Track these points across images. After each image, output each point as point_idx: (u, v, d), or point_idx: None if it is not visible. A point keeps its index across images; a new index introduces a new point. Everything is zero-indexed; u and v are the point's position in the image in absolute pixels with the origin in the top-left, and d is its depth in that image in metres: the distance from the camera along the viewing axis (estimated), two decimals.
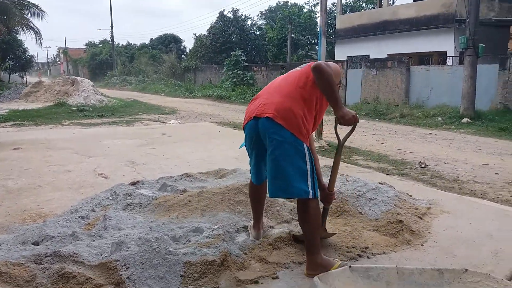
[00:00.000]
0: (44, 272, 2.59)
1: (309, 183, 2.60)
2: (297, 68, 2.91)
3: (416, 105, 13.86)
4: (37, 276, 2.57)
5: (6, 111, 13.71)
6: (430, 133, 9.43)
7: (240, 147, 3.17)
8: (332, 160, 2.96)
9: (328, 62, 2.93)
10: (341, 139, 2.92)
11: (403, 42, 18.04)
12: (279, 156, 2.60)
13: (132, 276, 2.55)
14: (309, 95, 2.67)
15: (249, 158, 3.01)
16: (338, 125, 2.85)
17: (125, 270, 2.58)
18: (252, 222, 3.19)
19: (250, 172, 3.03)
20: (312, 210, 2.64)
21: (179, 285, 2.53)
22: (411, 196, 4.20)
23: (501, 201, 4.35)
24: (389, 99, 15.17)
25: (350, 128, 2.79)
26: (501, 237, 3.24)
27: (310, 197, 2.60)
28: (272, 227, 3.28)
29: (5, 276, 2.60)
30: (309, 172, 2.60)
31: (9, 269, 2.64)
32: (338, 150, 2.90)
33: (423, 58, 16.82)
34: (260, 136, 2.72)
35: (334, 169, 2.93)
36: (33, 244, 3.05)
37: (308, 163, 2.61)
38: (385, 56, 17.68)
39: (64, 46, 66.68)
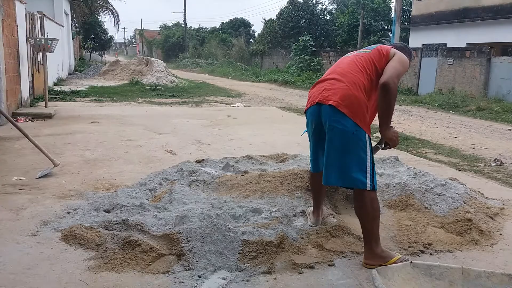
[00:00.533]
0: (113, 238, 2.79)
1: (368, 174, 2.54)
2: (365, 49, 2.83)
3: (495, 99, 12.91)
4: (106, 241, 2.77)
5: (86, 87, 14.66)
6: (509, 129, 8.74)
7: (302, 134, 3.16)
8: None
9: (401, 49, 2.85)
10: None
11: (484, 30, 16.76)
12: (339, 145, 2.55)
13: (193, 249, 2.66)
14: (373, 85, 2.62)
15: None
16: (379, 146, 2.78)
17: (186, 243, 2.70)
18: (311, 208, 3.18)
19: (311, 160, 3.00)
20: (369, 202, 2.57)
21: (236, 262, 2.60)
22: (483, 194, 3.95)
23: None
24: (466, 90, 14.26)
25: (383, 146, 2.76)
26: None
27: (368, 188, 2.54)
28: (333, 215, 3.24)
29: (79, 238, 2.84)
30: (368, 163, 2.54)
31: (82, 232, 2.87)
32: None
33: (507, 49, 15.55)
34: (322, 123, 2.67)
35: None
36: (105, 211, 3.29)
37: (368, 153, 2.55)
38: (463, 45, 16.56)
39: (140, 28, 69.73)
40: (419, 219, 3.33)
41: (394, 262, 2.47)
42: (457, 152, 6.30)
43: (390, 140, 2.64)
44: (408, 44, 20.54)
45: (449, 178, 4.12)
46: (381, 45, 2.82)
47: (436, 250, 2.90)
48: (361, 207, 2.61)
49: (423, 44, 18.69)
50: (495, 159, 5.71)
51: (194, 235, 2.75)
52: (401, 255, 2.67)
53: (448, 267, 2.01)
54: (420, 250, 2.90)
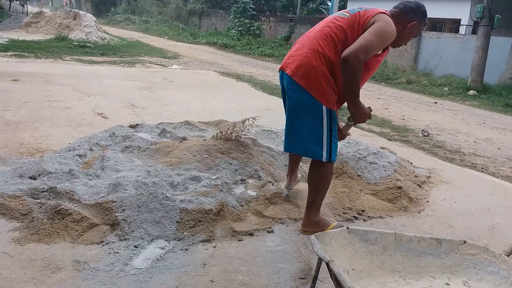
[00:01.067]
0: (40, 207, 2.59)
1: (324, 146, 2.48)
2: (344, 12, 2.53)
3: (423, 73, 13.62)
4: (33, 210, 2.57)
5: (6, 40, 13.35)
6: (436, 102, 9.31)
7: None
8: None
9: (412, 10, 2.52)
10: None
11: None
12: (295, 115, 2.52)
13: (128, 218, 2.55)
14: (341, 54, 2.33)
15: None
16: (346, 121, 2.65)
17: (121, 212, 2.58)
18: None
19: None
20: (323, 173, 2.57)
21: (174, 231, 2.54)
22: (411, 163, 4.17)
23: (501, 176, 4.33)
24: (397, 63, 14.88)
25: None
26: (498, 212, 3.25)
27: (324, 160, 2.50)
28: (271, 182, 3.25)
29: (2, 207, 2.60)
30: (325, 136, 2.46)
31: (5, 201, 2.64)
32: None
33: (436, 25, 16.34)
34: (285, 88, 2.61)
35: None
36: (30, 178, 3.04)
37: (325, 126, 2.45)
38: None
39: None
40: (353, 186, 3.45)
41: (331, 229, 2.53)
42: (388, 123, 6.59)
43: (356, 116, 2.48)
44: None
45: (381, 148, 4.30)
46: (366, 9, 2.46)
47: (368, 216, 3.03)
48: (314, 176, 2.60)
49: None
50: (423, 130, 6.06)
51: (129, 203, 2.64)
52: (337, 222, 2.76)
53: (383, 233, 2.09)
54: (354, 216, 3.01)
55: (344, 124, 2.72)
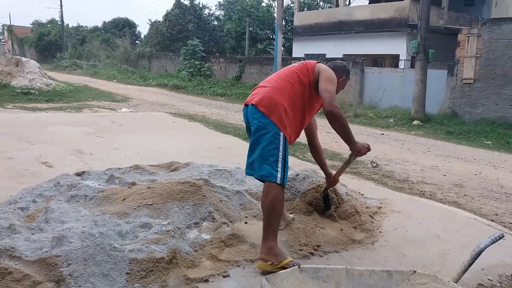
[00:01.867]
0: None
1: (279, 169, 2.71)
2: (294, 64, 3.06)
3: (369, 106, 14.22)
4: None
5: None
6: (382, 134, 9.69)
7: None
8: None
9: (340, 68, 3.14)
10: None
11: (358, 43, 18.44)
12: (256, 138, 2.76)
13: (74, 273, 2.40)
14: (296, 93, 2.85)
15: None
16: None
17: (66, 267, 2.43)
18: None
19: None
20: (274, 194, 2.70)
21: (124, 283, 2.41)
22: (362, 194, 4.26)
23: (448, 202, 4.51)
24: (344, 98, 15.47)
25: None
26: (448, 238, 3.36)
27: (277, 181, 2.69)
28: (226, 223, 3.20)
29: None
30: (280, 160, 2.72)
31: None
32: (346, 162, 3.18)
33: (377, 60, 17.29)
34: (248, 121, 2.88)
35: (342, 168, 3.24)
36: None
37: (281, 151, 2.73)
38: (340, 56, 17.98)
39: (9, 23, 62.74)
40: (307, 221, 3.45)
41: (286, 264, 2.56)
42: (339, 156, 6.75)
43: (358, 152, 2.88)
44: (292, 53, 21.72)
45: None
46: (310, 61, 3.04)
47: (324, 251, 3.03)
48: (268, 199, 2.71)
49: (305, 54, 19.88)
50: (371, 161, 6.25)
51: (74, 257, 2.48)
52: (292, 259, 2.73)
53: (334, 269, 2.09)
54: (310, 253, 3.00)
55: (342, 163, 3.16)
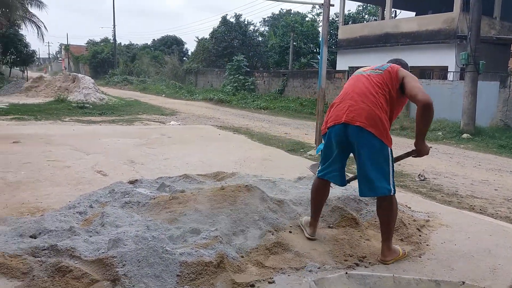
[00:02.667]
0: (41, 265, 2.59)
1: (391, 182, 2.92)
2: (375, 70, 3.09)
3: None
4: (33, 269, 2.56)
5: (7, 104, 13.68)
6: (430, 147, 9.36)
7: (317, 152, 3.49)
8: None
9: (401, 64, 3.18)
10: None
11: (404, 55, 17.99)
12: (368, 160, 2.89)
13: (129, 273, 2.54)
14: (390, 102, 2.96)
15: (321, 160, 3.21)
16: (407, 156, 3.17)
17: (121, 267, 2.57)
18: (306, 218, 3.38)
19: (325, 174, 3.15)
20: (394, 204, 2.97)
21: (175, 285, 2.52)
22: (410, 208, 4.20)
23: (500, 217, 4.35)
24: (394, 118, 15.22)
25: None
26: (499, 253, 3.24)
27: (392, 194, 2.93)
28: (271, 232, 3.26)
29: (2, 267, 2.59)
30: (391, 173, 2.93)
31: (6, 260, 2.63)
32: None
33: (424, 72, 16.88)
34: (349, 140, 2.95)
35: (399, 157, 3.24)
36: (31, 237, 3.05)
37: (390, 165, 2.94)
38: None
39: (66, 43, 66.67)
40: (353, 233, 3.45)
41: (402, 256, 3.01)
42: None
43: (421, 152, 3.02)
44: (335, 66, 21.63)
45: None
46: (390, 65, 3.10)
47: (370, 262, 3.02)
48: (387, 209, 2.96)
49: (349, 67, 19.74)
50: (419, 174, 6.12)
51: (129, 258, 2.63)
52: (405, 251, 3.09)
53: (381, 276, 2.10)
54: (355, 263, 2.99)
55: (403, 153, 3.18)
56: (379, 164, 2.89)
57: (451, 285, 2.10)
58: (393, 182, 2.94)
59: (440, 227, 3.78)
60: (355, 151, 2.98)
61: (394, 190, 2.96)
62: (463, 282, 2.10)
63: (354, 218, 3.58)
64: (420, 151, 3.01)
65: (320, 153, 3.25)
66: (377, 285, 2.06)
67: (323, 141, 3.21)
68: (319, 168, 3.24)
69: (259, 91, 23.26)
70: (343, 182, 3.18)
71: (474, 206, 4.74)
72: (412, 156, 3.12)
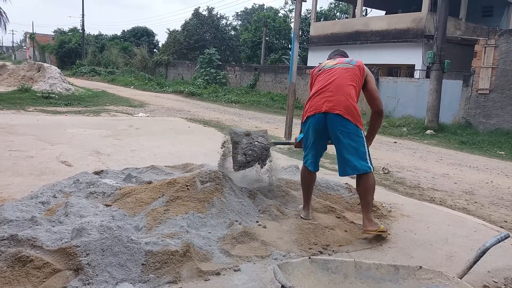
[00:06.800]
0: (0, 255, 2.51)
1: (368, 160, 3.28)
2: (346, 64, 3.48)
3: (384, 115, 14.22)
4: None
5: None
6: (395, 142, 9.71)
7: (298, 139, 3.80)
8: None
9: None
10: None
11: (373, 53, 18.47)
12: (348, 143, 3.25)
13: (92, 262, 2.51)
14: (357, 94, 3.41)
15: (303, 149, 3.61)
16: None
17: (85, 256, 2.54)
18: (301, 205, 3.65)
19: (306, 161, 3.54)
20: (372, 179, 3.27)
21: (139, 274, 2.51)
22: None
23: (458, 208, 4.53)
24: (359, 107, 15.51)
25: None
26: (456, 242, 3.39)
27: (372, 170, 3.27)
28: (238, 222, 3.29)
29: None
30: (367, 153, 3.30)
31: None
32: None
33: (392, 70, 17.29)
34: (327, 128, 3.31)
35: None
36: None
37: (365, 145, 3.32)
38: None
39: (31, 31, 64.35)
40: (318, 222, 3.52)
41: (381, 231, 3.22)
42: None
43: (370, 144, 3.52)
44: (307, 63, 21.80)
45: (345, 183, 4.44)
46: (357, 60, 3.54)
47: (333, 250, 3.09)
48: (367, 184, 3.26)
49: (320, 63, 19.95)
50: (383, 168, 6.28)
51: (93, 248, 2.60)
52: (383, 226, 3.30)
53: (343, 261, 2.16)
54: (319, 251, 3.06)
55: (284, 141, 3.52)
56: (358, 146, 3.26)
57: (409, 269, 2.18)
58: (370, 160, 3.30)
59: (402, 218, 3.91)
60: (333, 137, 3.33)
61: (373, 167, 3.30)
62: (420, 267, 2.19)
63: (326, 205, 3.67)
64: (369, 143, 3.48)
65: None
66: (339, 269, 2.12)
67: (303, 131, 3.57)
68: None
69: (231, 85, 23.21)
70: (315, 168, 3.53)
71: (435, 198, 4.92)
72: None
